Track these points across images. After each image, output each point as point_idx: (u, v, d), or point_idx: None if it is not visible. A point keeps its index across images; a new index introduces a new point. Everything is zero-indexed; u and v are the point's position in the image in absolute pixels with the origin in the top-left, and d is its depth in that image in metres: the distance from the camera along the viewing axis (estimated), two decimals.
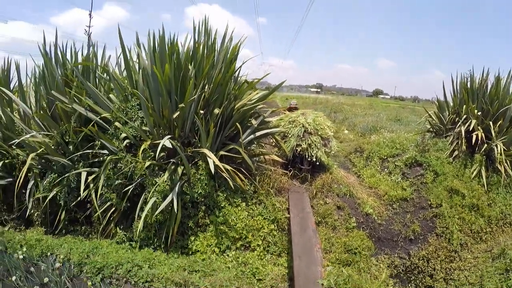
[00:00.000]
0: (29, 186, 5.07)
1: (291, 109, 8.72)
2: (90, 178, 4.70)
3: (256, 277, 4.40)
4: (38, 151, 4.86)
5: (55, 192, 4.81)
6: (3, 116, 5.33)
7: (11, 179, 5.23)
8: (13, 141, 4.97)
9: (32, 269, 3.52)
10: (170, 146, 4.28)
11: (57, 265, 3.55)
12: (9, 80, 5.62)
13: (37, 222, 5.18)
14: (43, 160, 5.11)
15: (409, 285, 6.08)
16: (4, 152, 5.25)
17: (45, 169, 5.17)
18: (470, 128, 7.54)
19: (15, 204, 5.17)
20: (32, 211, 5.10)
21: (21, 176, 4.71)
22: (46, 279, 3.33)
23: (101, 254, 3.82)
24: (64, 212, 5.01)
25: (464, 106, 8.06)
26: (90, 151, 4.78)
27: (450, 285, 5.71)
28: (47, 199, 4.80)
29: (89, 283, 3.40)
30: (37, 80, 5.30)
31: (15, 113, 5.48)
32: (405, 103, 44.84)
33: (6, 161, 5.17)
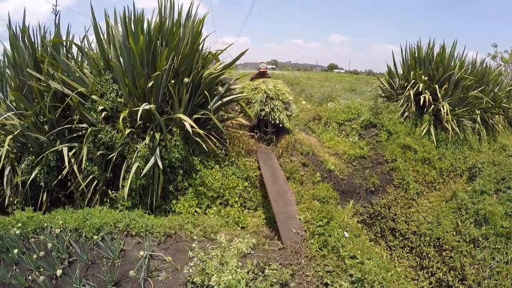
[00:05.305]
0: (6, 173, 5.18)
1: (261, 74, 8.50)
2: (70, 153, 5.01)
3: (240, 225, 5.08)
4: (15, 133, 4.97)
5: (36, 172, 4.96)
6: None
7: None
8: None
9: (31, 240, 3.63)
10: (151, 107, 4.80)
11: (57, 231, 3.68)
12: None
13: (17, 209, 5.11)
14: (18, 144, 5.33)
15: (375, 228, 7.03)
16: None
17: (21, 152, 5.38)
18: (419, 91, 8.73)
19: None
20: (11, 199, 5.20)
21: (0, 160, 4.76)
22: (49, 245, 3.48)
23: (97, 216, 3.94)
24: (45, 194, 5.19)
25: (412, 72, 9.22)
26: (69, 126, 5.09)
27: (411, 225, 6.65)
28: (28, 182, 4.95)
29: (95, 237, 3.59)
30: (1, 63, 5.38)
31: None
32: (360, 76, 47.15)
33: None
